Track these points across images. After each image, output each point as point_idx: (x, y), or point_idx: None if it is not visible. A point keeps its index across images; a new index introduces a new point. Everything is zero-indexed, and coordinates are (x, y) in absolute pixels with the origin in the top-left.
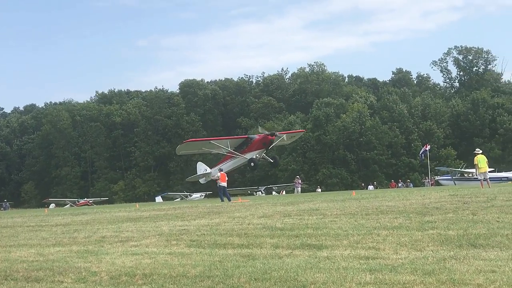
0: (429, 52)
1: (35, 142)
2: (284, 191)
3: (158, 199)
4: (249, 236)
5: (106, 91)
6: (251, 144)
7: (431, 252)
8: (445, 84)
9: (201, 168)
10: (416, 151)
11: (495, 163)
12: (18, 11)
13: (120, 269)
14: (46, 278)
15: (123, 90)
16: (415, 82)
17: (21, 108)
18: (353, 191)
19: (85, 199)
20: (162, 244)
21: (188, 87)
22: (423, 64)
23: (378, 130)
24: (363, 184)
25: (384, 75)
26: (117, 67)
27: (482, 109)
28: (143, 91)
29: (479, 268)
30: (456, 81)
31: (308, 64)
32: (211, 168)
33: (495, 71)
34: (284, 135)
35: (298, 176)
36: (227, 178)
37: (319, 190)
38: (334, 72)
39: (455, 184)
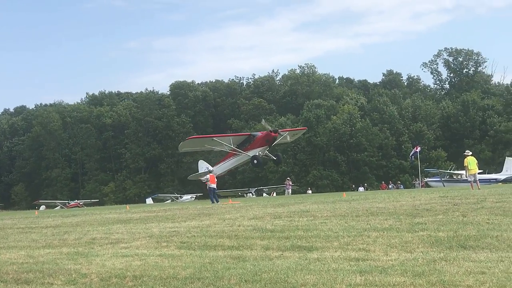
0: (420, 54)
1: (25, 144)
2: (274, 193)
3: (149, 200)
4: (240, 238)
5: (96, 93)
6: (254, 141)
7: (421, 254)
8: (435, 85)
9: (203, 166)
10: (406, 152)
11: (485, 165)
12: (8, 11)
13: (110, 271)
14: (36, 280)
15: (113, 91)
16: (405, 83)
17: (11, 110)
18: (344, 192)
19: (76, 201)
20: (152, 246)
21: (179, 88)
22: (413, 66)
23: (368, 131)
24: (353, 185)
25: (375, 77)
26: (107, 68)
27: (472, 110)
28: (134, 92)
29: (469, 269)
30: (447, 82)
31: (298, 66)
32: (213, 166)
33: (485, 73)
34: (287, 133)
35: (288, 178)
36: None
37: (310, 191)
38: (324, 74)
39: (443, 186)
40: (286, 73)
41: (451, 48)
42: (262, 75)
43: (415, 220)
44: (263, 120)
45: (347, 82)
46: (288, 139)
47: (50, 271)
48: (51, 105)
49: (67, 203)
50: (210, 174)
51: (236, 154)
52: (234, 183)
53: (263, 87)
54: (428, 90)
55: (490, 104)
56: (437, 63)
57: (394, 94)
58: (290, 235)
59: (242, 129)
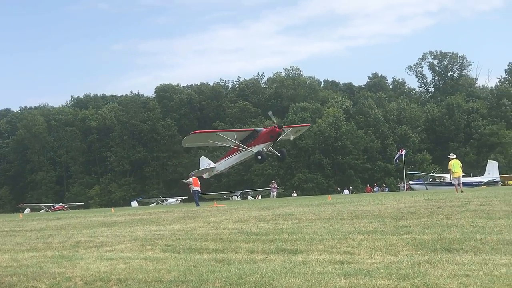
0: (405, 57)
1: (10, 147)
2: (260, 196)
3: (134, 203)
4: (224, 241)
5: (81, 96)
6: (258, 137)
7: (406, 257)
8: (420, 89)
9: (204, 162)
10: (391, 155)
11: (470, 168)
12: None
13: (95, 274)
14: (20, 284)
15: (98, 94)
16: (390, 87)
17: None
18: (329, 195)
19: (61, 204)
20: (137, 249)
21: (164, 91)
22: (398, 69)
23: (353, 134)
24: (338, 188)
25: (360, 80)
26: (92, 71)
27: (457, 114)
28: (119, 95)
29: (453, 272)
30: (431, 86)
31: (284, 69)
32: (214, 162)
33: (470, 76)
34: (291, 130)
35: (274, 181)
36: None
37: (295, 194)
38: (309, 77)
39: (426, 189)
40: (272, 76)
41: (436, 51)
42: (247, 78)
43: (400, 223)
44: (270, 112)
45: (332, 85)
46: (291, 137)
47: (34, 275)
48: (36, 108)
49: (52, 206)
50: (193, 177)
51: (239, 150)
52: (220, 186)
53: (248, 90)
54: (413, 93)
55: (475, 107)
56: (422, 66)
57: (379, 97)
58: (275, 238)
59: None
